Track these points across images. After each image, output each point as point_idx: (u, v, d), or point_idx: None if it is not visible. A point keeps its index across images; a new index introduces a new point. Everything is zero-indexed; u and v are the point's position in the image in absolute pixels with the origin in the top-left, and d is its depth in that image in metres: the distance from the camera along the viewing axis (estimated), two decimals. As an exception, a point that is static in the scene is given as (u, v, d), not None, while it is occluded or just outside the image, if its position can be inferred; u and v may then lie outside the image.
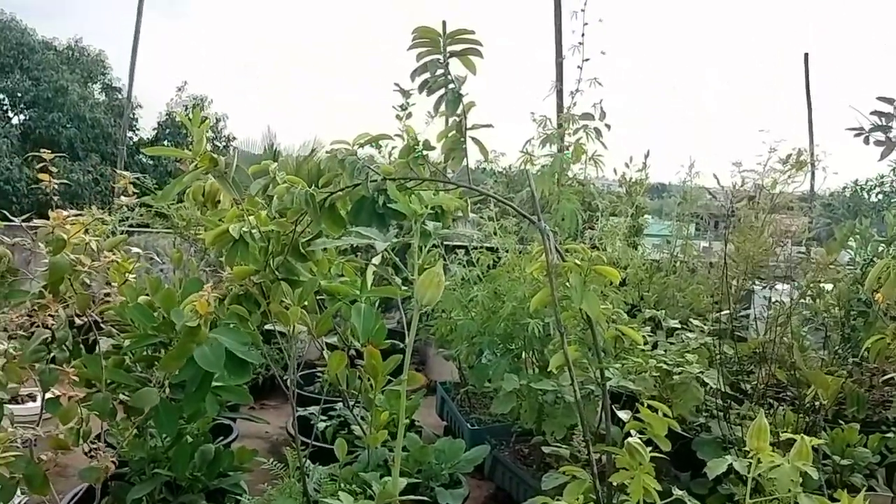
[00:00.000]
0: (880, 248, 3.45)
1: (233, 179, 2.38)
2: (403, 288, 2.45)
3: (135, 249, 2.91)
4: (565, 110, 3.71)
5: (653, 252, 5.45)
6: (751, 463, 1.80)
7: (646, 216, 5.53)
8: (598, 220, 4.29)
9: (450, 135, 2.17)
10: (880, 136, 2.64)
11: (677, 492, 1.78)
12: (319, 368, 4.91)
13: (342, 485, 2.31)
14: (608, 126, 3.69)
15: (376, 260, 2.21)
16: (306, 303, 2.39)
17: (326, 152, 2.07)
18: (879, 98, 2.63)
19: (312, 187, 2.04)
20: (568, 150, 3.68)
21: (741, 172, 4.58)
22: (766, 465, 1.78)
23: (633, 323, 3.66)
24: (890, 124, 2.61)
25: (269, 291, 2.12)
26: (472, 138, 2.20)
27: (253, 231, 2.06)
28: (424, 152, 2.15)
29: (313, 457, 3.02)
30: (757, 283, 4.53)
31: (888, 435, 3.53)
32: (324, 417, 3.62)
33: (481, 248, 4.31)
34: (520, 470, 3.58)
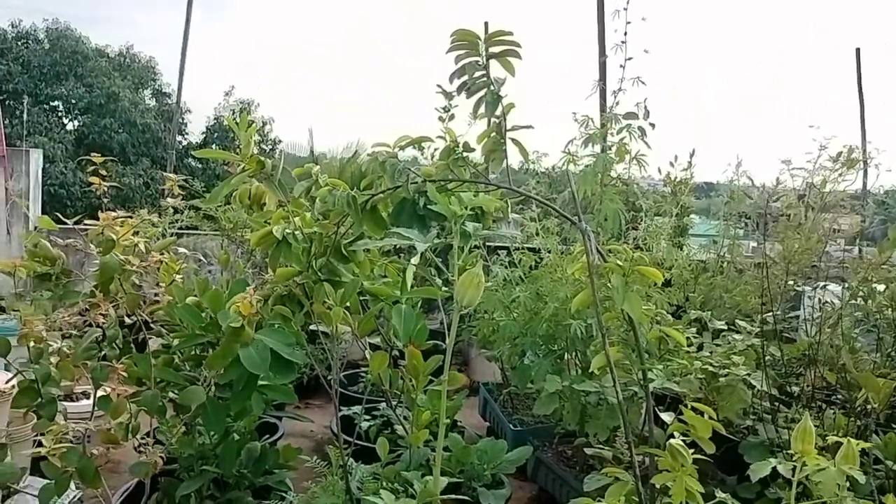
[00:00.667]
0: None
1: (278, 182, 2.43)
2: (444, 289, 2.46)
3: (182, 250, 3.00)
4: (608, 110, 3.68)
5: (699, 252, 5.36)
6: (795, 466, 1.77)
7: (691, 216, 5.44)
8: (642, 220, 4.24)
9: (490, 136, 2.18)
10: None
11: (720, 494, 1.76)
12: (363, 368, 4.96)
13: (384, 483, 2.34)
14: (652, 125, 3.65)
15: (415, 260, 2.23)
16: (349, 303, 2.43)
17: (368, 155, 2.10)
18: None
19: (354, 189, 2.07)
20: (611, 149, 3.65)
21: (790, 170, 4.49)
22: (811, 468, 1.75)
23: (677, 324, 3.61)
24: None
25: (311, 292, 2.16)
26: (512, 139, 2.21)
27: (296, 232, 2.10)
28: (465, 154, 2.17)
29: (356, 455, 3.06)
30: (805, 283, 4.43)
31: (949, 438, 3.41)
32: (367, 417, 3.66)
33: (523, 249, 4.30)
34: (563, 471, 3.56)
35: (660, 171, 4.55)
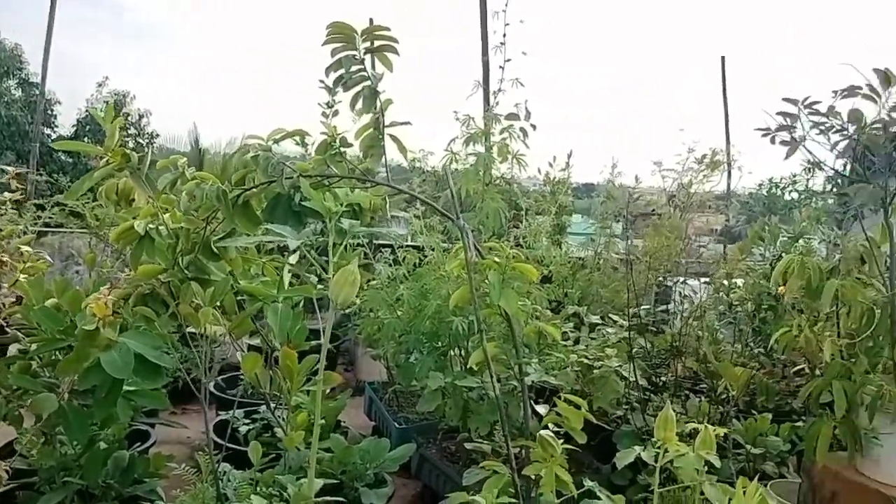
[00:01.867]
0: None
1: (147, 177, 2.32)
2: (320, 287, 2.42)
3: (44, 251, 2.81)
4: (490, 109, 3.74)
5: (578, 250, 5.55)
6: (658, 453, 1.85)
7: (571, 215, 5.62)
8: (523, 219, 4.34)
9: (368, 132, 2.16)
10: (785, 136, 2.75)
11: (588, 483, 1.82)
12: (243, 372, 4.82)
13: (259, 488, 2.27)
14: (533, 126, 3.75)
15: (293, 259, 2.18)
16: (223, 304, 2.34)
17: (239, 148, 2.03)
18: (785, 99, 2.74)
19: (225, 184, 2.00)
20: (493, 149, 3.72)
21: (661, 171, 4.72)
22: (672, 454, 1.83)
23: (556, 319, 3.73)
24: (794, 125, 2.73)
25: (178, 291, 2.07)
26: (391, 136, 2.20)
27: (160, 227, 2.00)
28: (342, 149, 2.14)
29: (235, 461, 2.96)
30: (671, 278, 4.68)
31: (798, 424, 3.69)
32: (247, 421, 3.55)
33: (408, 247, 4.31)
34: (446, 467, 3.59)
35: (539, 171, 4.68)
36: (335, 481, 2.79)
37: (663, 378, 4.15)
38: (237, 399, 3.13)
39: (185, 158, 2.03)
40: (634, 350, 3.80)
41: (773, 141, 2.75)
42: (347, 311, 4.57)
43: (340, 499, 2.17)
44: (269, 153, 2.00)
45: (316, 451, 1.83)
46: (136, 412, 3.08)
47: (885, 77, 2.53)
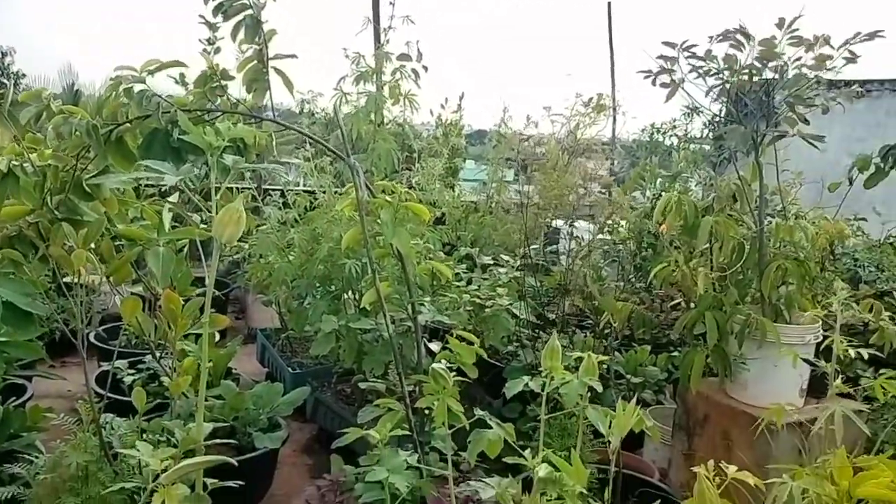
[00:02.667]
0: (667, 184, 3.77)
1: (11, 115, 2.13)
2: (204, 227, 2.33)
3: None
4: (380, 48, 3.66)
5: (472, 194, 5.61)
6: (545, 382, 1.92)
7: (464, 159, 5.64)
8: (416, 161, 4.33)
9: (251, 65, 2.07)
10: (665, 78, 2.85)
11: (479, 412, 1.87)
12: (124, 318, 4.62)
13: (147, 436, 2.21)
14: (425, 68, 3.70)
15: (174, 199, 2.08)
16: (100, 249, 2.21)
17: (110, 79, 1.90)
18: (664, 43, 2.82)
19: (97, 118, 1.86)
20: (384, 89, 3.66)
21: (550, 116, 4.81)
22: (558, 381, 1.91)
23: (449, 260, 3.77)
24: (673, 68, 2.82)
25: (48, 233, 1.93)
26: (276, 69, 2.11)
27: (25, 165, 1.86)
28: (223, 82, 2.04)
29: (120, 411, 2.85)
30: (561, 220, 4.83)
31: (674, 354, 3.93)
32: (131, 371, 3.42)
33: (298, 191, 4.21)
34: (341, 409, 3.61)
35: (431, 112, 4.66)
36: (229, 426, 2.75)
37: (552, 315, 4.31)
38: (119, 349, 3.00)
39: (49, 90, 1.88)
40: (524, 289, 3.91)
41: (654, 83, 2.84)
42: (236, 257, 4.45)
43: (232, 441, 2.14)
44: (144, 85, 1.88)
45: (204, 395, 1.78)
46: (10, 365, 2.91)
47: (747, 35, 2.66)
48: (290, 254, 3.74)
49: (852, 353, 2.11)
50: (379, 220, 2.28)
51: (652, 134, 6.54)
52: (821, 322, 2.91)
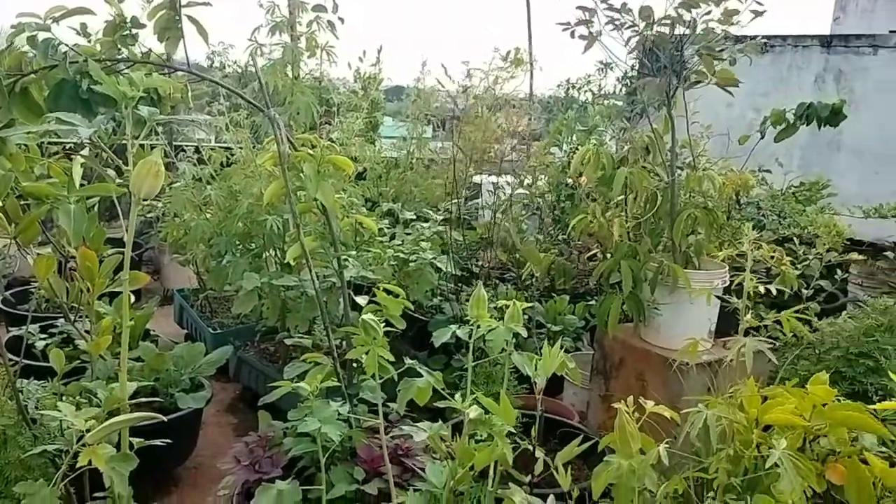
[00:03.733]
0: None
1: None
2: (119, 182, 2.24)
3: None
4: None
5: (392, 150, 5.58)
6: (472, 329, 1.96)
7: (384, 116, 5.58)
8: (335, 116, 4.26)
9: (162, 12, 1.98)
10: (583, 30, 2.90)
11: (409, 361, 1.90)
12: (36, 284, 4.41)
13: (67, 399, 2.14)
14: (341, 19, 3.63)
15: (85, 153, 1.99)
16: (5, 208, 2.10)
17: (11, 27, 1.78)
18: (582, -6, 2.86)
19: (-4, 68, 1.76)
20: (300, 40, 3.57)
21: (469, 70, 4.81)
22: (484, 329, 1.95)
23: (372, 215, 3.76)
24: (592, 19, 2.87)
25: (-53, 189, 1.82)
26: (189, 17, 2.03)
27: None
28: (134, 31, 1.95)
29: (35, 377, 2.75)
30: (483, 175, 4.88)
31: (591, 303, 4.07)
32: (44, 336, 3.29)
33: (214, 146, 4.09)
34: (266, 367, 3.58)
35: (349, 65, 4.58)
36: (150, 386, 2.69)
37: (475, 268, 4.38)
38: (30, 314, 2.87)
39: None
40: (448, 243, 3.95)
41: (572, 35, 2.88)
42: (149, 216, 4.30)
43: (158, 399, 2.10)
44: (49, 34, 1.77)
45: (127, 354, 1.74)
46: None
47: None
48: (208, 211, 3.65)
49: (762, 289, 2.24)
50: (302, 174, 2.25)
51: (568, 90, 6.62)
52: (727, 267, 3.08)
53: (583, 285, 4.41)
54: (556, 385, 3.93)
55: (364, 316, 1.80)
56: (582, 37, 2.85)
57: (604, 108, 4.52)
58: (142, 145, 2.30)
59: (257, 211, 3.25)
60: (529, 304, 2.20)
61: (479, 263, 4.31)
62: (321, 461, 1.95)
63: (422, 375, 1.88)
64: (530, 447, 1.83)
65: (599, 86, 6.33)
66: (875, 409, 1.38)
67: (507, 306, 2.03)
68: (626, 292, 3.06)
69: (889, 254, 4.29)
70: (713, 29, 2.93)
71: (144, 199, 1.72)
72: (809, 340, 3.20)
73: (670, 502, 1.47)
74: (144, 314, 3.37)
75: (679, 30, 2.95)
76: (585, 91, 6.63)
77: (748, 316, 2.00)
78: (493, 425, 1.53)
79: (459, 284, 4.14)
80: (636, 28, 2.83)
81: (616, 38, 2.88)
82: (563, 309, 4.16)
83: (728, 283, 3.05)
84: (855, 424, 1.36)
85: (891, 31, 5.51)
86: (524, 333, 1.95)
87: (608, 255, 3.32)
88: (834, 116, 3.50)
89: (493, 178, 4.70)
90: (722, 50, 2.87)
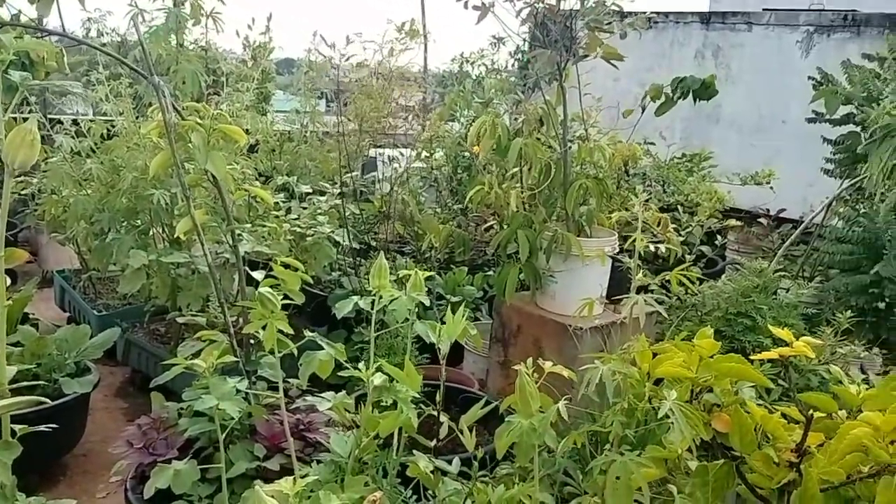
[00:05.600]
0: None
1: None
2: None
3: None
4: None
5: (285, 123, 5.44)
6: (374, 300, 1.96)
7: (275, 89, 5.41)
8: (224, 86, 4.09)
9: (30, -31, 1.84)
10: (477, 1, 2.91)
11: (309, 333, 1.87)
12: None
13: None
14: (228, -11, 3.49)
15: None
16: None
17: None
18: (475, -34, 2.86)
19: None
20: (185, 6, 3.40)
21: (362, 43, 4.73)
22: (387, 299, 1.95)
23: (266, 189, 3.66)
24: (485, -10, 2.88)
25: None
26: (61, -25, 1.89)
27: None
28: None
29: None
30: (380, 148, 4.85)
31: (489, 273, 4.15)
32: None
33: (93, 118, 3.85)
34: (156, 349, 3.44)
35: (238, 33, 4.41)
36: (28, 368, 2.54)
37: (373, 242, 4.36)
38: None
39: None
40: (346, 216, 3.91)
41: (465, 6, 2.89)
42: (24, 193, 4.01)
43: (40, 382, 1.98)
44: None
45: (4, 337, 1.63)
46: None
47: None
48: (88, 187, 3.44)
49: (652, 248, 2.34)
50: (190, 145, 2.15)
51: (461, 64, 6.65)
52: (616, 234, 3.20)
53: (481, 256, 4.48)
54: (456, 355, 3.99)
55: (261, 289, 1.75)
56: (475, 7, 2.86)
57: (496, 81, 4.57)
58: (14, 118, 2.14)
59: (142, 185, 3.09)
60: (429, 276, 2.21)
61: (378, 236, 4.29)
62: (220, 440, 1.90)
63: (322, 349, 1.86)
64: (434, 412, 1.85)
65: (492, 60, 6.40)
66: (753, 360, 1.47)
67: (409, 277, 2.04)
68: (522, 261, 3.13)
69: (763, 220, 4.60)
70: (604, 2, 3.02)
71: (18, 172, 1.60)
72: (692, 303, 3.40)
73: (568, 457, 1.53)
74: (22, 296, 3.17)
75: (571, 3, 3.01)
76: (479, 65, 6.69)
77: (639, 274, 2.08)
78: (397, 392, 1.53)
79: (358, 258, 4.11)
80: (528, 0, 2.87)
81: (509, 10, 2.91)
82: (462, 280, 4.22)
83: (618, 249, 3.17)
84: (738, 375, 1.45)
85: (764, 9, 5.84)
86: (427, 302, 1.96)
87: (505, 226, 3.38)
88: (705, 90, 3.68)
89: (390, 151, 4.68)
90: (609, 23, 2.95)
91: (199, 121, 2.16)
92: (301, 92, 5.17)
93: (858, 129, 3.64)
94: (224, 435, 1.91)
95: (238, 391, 1.79)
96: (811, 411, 1.39)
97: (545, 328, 3.15)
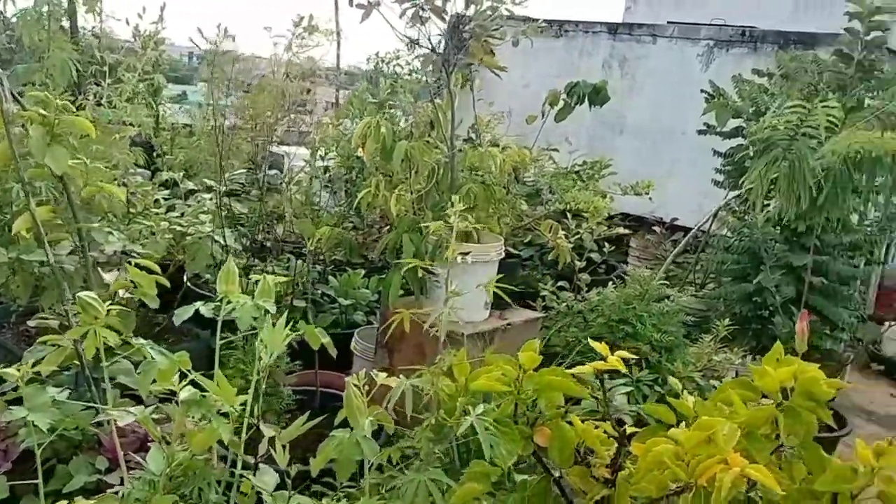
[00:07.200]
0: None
1: None
2: None
3: None
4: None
5: (186, 117, 5.26)
6: (219, 305, 1.87)
7: (167, 82, 5.20)
8: (107, 75, 3.90)
9: None
10: (363, 0, 2.84)
11: (142, 341, 1.77)
12: None
13: None
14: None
15: None
16: None
17: None
18: (362, -35, 2.80)
19: None
20: None
21: (273, 38, 4.61)
22: (234, 304, 1.87)
23: (146, 185, 3.52)
24: (368, -10, 2.82)
25: None
26: None
27: None
28: None
29: None
30: (283, 146, 4.73)
31: (383, 276, 4.08)
32: None
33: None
34: (22, 350, 3.25)
35: (127, 22, 4.21)
36: None
37: (267, 242, 4.24)
38: None
39: None
40: (236, 215, 3.79)
41: (351, 3, 2.82)
42: None
43: None
44: None
45: None
46: None
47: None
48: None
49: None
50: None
51: (377, 64, 6.58)
52: (503, 240, 3.19)
53: (380, 259, 4.41)
54: (345, 360, 3.91)
55: (82, 294, 1.64)
56: (359, 5, 2.79)
57: (406, 83, 4.52)
58: None
59: (4, 177, 2.90)
60: (287, 278, 2.14)
61: (272, 237, 4.18)
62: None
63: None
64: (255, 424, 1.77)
65: (407, 61, 6.35)
66: (576, 373, 1.45)
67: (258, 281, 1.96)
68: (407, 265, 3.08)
69: (656, 229, 4.68)
70: (497, 7, 3.00)
71: None
72: (579, 309, 3.42)
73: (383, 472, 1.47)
74: None
75: (460, 6, 2.98)
76: (395, 65, 6.63)
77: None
78: (208, 406, 1.45)
79: (253, 259, 3.99)
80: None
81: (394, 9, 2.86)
82: (357, 282, 4.15)
83: (503, 254, 3.16)
84: (559, 388, 1.43)
85: (669, 22, 5.96)
86: (273, 310, 1.89)
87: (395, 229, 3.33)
88: (597, 95, 3.72)
89: (289, 149, 4.58)
90: (496, 29, 2.93)
91: (41, 112, 2.03)
92: (205, 85, 5.00)
93: (746, 142, 3.73)
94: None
95: (57, 402, 1.68)
96: (625, 427, 1.38)
97: (428, 334, 3.11)
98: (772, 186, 3.38)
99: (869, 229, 4.59)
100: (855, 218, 4.35)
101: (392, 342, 3.26)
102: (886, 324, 5.11)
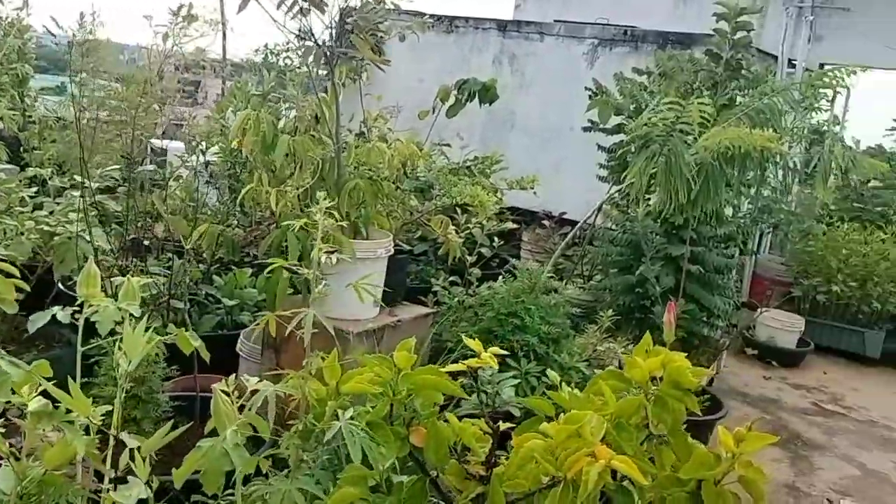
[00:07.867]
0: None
1: None
2: None
3: None
4: None
5: (57, 108, 4.94)
6: (77, 310, 1.76)
7: (33, 72, 4.87)
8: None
9: None
10: (238, -10, 2.74)
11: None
12: None
13: None
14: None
15: None
16: None
17: None
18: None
19: None
20: None
21: (153, 27, 4.39)
22: (94, 309, 1.75)
23: (10, 181, 3.29)
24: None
25: None
26: None
27: None
28: None
29: None
30: (165, 140, 4.53)
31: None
32: None
33: None
34: None
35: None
36: None
37: (147, 241, 4.04)
38: None
39: None
40: (108, 213, 3.59)
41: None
42: None
43: None
44: None
45: None
46: None
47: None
48: None
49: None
50: None
51: (266, 55, 6.42)
52: (392, 236, 3.16)
53: (265, 257, 4.29)
54: (234, 362, 3.79)
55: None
56: (234, -5, 2.69)
57: (296, 75, 4.41)
58: None
59: None
60: (149, 279, 2.03)
61: (151, 236, 3.98)
62: None
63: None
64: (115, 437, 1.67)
65: (298, 54, 6.18)
66: (449, 371, 1.44)
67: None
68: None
69: (545, 223, 4.78)
70: (383, 0, 2.95)
71: None
72: (469, 304, 3.44)
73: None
74: None
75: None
76: (285, 58, 6.48)
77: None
78: (61, 417, 1.35)
79: (133, 259, 3.79)
80: (294, -9, 2.75)
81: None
82: (244, 282, 4.02)
83: (392, 251, 3.13)
84: (433, 387, 1.42)
85: (555, 21, 6.09)
86: (137, 313, 1.78)
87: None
88: (486, 93, 3.76)
89: (173, 144, 4.38)
90: (380, 23, 2.89)
91: None
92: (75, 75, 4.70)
93: (626, 138, 3.86)
94: None
95: None
96: (498, 423, 1.39)
97: (315, 333, 3.04)
98: (651, 181, 3.50)
99: (742, 221, 4.86)
100: (729, 211, 4.59)
101: (279, 342, 3.18)
102: (759, 310, 5.42)
